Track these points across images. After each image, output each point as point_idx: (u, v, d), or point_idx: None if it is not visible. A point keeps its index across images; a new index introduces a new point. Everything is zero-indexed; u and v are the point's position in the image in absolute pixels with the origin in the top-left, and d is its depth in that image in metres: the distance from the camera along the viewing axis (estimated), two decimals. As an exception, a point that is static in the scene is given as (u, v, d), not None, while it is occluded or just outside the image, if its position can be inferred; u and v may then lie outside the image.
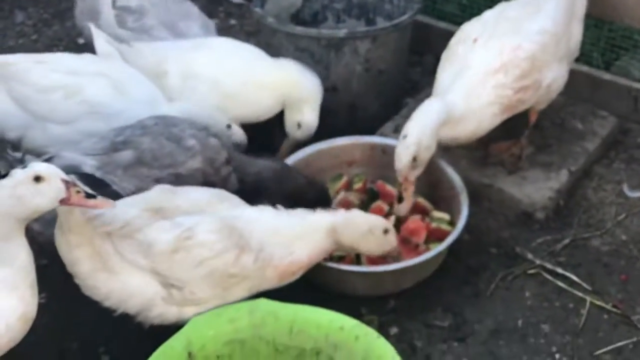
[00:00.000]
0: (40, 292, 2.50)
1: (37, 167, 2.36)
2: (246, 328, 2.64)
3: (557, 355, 2.98)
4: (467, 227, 3.21)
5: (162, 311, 2.67)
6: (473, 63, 3.30)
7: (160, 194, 2.77)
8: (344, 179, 3.50)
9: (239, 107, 3.51)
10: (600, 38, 4.04)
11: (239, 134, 3.42)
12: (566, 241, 3.41)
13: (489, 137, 3.51)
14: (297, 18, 4.25)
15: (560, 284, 3.24)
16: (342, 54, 3.79)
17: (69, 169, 2.81)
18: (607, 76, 4.01)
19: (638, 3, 3.80)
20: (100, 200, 2.41)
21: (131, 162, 2.95)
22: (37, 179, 2.33)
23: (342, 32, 3.77)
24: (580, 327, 3.08)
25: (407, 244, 3.22)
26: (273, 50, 3.83)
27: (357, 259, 3.17)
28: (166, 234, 2.62)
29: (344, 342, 2.59)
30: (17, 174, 2.34)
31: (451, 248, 3.18)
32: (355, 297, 3.13)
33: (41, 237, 2.79)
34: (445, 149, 3.38)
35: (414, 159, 3.12)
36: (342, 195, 3.41)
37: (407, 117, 3.79)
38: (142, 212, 2.65)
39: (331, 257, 3.16)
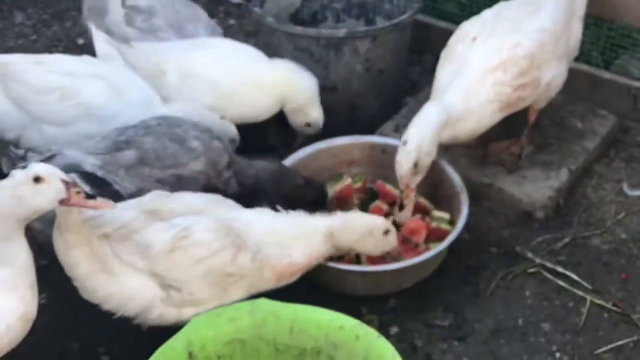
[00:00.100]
0: (40, 292, 2.50)
1: (37, 167, 2.36)
2: (247, 328, 2.64)
3: (557, 354, 2.98)
4: (467, 227, 3.22)
5: (161, 313, 2.67)
6: (472, 61, 3.31)
7: (154, 198, 2.77)
8: (346, 179, 3.49)
9: (236, 107, 3.51)
10: (600, 37, 4.04)
11: (232, 130, 3.42)
12: (566, 240, 3.41)
13: (489, 136, 3.51)
14: (296, 18, 4.25)
15: (560, 282, 3.24)
16: (342, 54, 3.79)
17: (70, 167, 2.82)
18: (606, 75, 4.01)
19: (637, 2, 3.81)
20: (100, 201, 2.42)
21: (133, 162, 2.95)
22: (37, 179, 2.34)
23: (341, 32, 3.77)
24: (580, 326, 3.08)
25: (407, 244, 3.22)
26: (272, 50, 3.83)
27: (357, 258, 3.17)
28: (163, 234, 2.62)
29: (345, 341, 2.59)
30: (17, 174, 2.35)
31: (451, 247, 3.18)
32: (355, 296, 3.13)
33: (42, 236, 2.79)
34: (445, 149, 3.38)
35: (415, 165, 3.12)
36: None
37: (407, 116, 3.82)
38: (139, 214, 2.65)
39: (331, 257, 3.16)
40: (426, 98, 3.43)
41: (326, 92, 3.71)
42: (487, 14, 3.52)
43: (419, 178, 3.17)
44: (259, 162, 3.19)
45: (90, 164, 2.92)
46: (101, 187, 2.86)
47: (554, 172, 3.61)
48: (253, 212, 2.84)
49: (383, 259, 3.10)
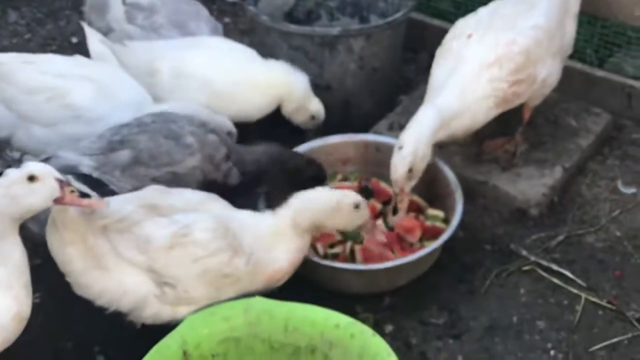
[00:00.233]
0: (34, 291, 2.50)
1: (31, 166, 2.37)
2: (241, 326, 2.64)
3: (552, 352, 2.98)
4: (462, 224, 3.22)
5: (156, 310, 2.66)
6: (468, 58, 3.31)
7: (153, 192, 2.77)
8: (339, 178, 3.50)
9: (229, 106, 3.51)
10: (594, 35, 4.05)
11: (228, 124, 3.41)
12: (560, 238, 3.41)
13: (484, 134, 3.52)
14: (290, 16, 4.25)
15: (555, 280, 3.24)
16: (336, 52, 3.79)
17: (66, 170, 2.82)
18: (600, 73, 4.02)
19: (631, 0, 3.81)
20: (94, 199, 2.42)
21: (128, 162, 2.95)
22: (31, 178, 2.34)
23: (335, 30, 3.77)
24: (575, 324, 3.08)
25: (402, 242, 3.22)
26: (267, 48, 3.82)
27: (351, 256, 3.17)
28: (163, 230, 2.62)
29: (340, 339, 2.59)
30: (11, 173, 2.35)
31: (446, 245, 3.18)
32: (350, 294, 3.13)
33: (37, 238, 2.78)
34: (440, 147, 3.38)
35: (410, 170, 3.12)
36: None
37: (401, 114, 3.83)
38: (139, 208, 2.65)
39: (326, 255, 3.16)
40: (421, 96, 3.44)
41: (321, 91, 3.72)
42: (482, 11, 3.53)
43: (413, 182, 3.17)
44: (257, 148, 3.20)
45: (86, 165, 2.92)
46: (97, 189, 2.85)
47: (549, 169, 3.61)
48: (244, 213, 2.83)
49: (378, 257, 3.10)
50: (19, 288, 2.39)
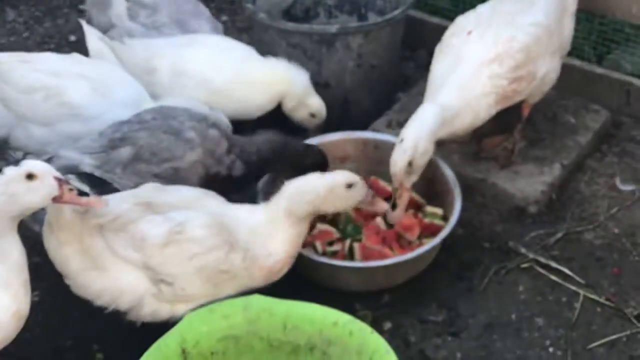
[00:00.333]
0: (33, 289, 2.50)
1: (30, 164, 2.37)
2: (240, 324, 2.64)
3: (550, 349, 2.99)
4: (460, 222, 3.22)
5: (154, 308, 2.67)
6: (468, 55, 3.31)
7: (148, 190, 2.77)
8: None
9: (228, 103, 3.51)
10: (592, 32, 4.05)
11: (224, 120, 3.41)
12: (559, 235, 3.42)
13: (482, 131, 3.52)
14: (288, 14, 4.25)
15: (553, 277, 3.24)
16: (335, 50, 3.79)
17: (68, 169, 2.83)
18: (599, 70, 4.02)
19: (629, -4, 3.82)
20: (93, 198, 2.42)
21: (129, 159, 2.95)
22: (30, 176, 2.34)
23: (334, 28, 3.77)
24: (573, 321, 3.08)
25: (401, 240, 3.22)
26: (265, 46, 3.82)
27: (350, 254, 3.17)
28: (158, 227, 2.62)
29: (338, 337, 2.59)
30: (10, 171, 2.34)
31: (444, 243, 3.18)
32: (349, 292, 3.13)
33: (37, 236, 2.78)
34: (439, 144, 3.38)
35: (410, 164, 3.10)
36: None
37: (399, 112, 3.83)
38: (134, 206, 2.65)
39: (324, 253, 3.16)
40: (419, 94, 3.44)
41: (319, 88, 3.71)
42: (482, 8, 3.53)
43: (413, 178, 3.16)
44: (257, 137, 3.21)
45: (87, 164, 2.92)
46: (100, 187, 2.86)
47: (547, 167, 3.61)
48: (239, 208, 2.82)
49: (377, 255, 3.10)
50: (17, 286, 2.40)
